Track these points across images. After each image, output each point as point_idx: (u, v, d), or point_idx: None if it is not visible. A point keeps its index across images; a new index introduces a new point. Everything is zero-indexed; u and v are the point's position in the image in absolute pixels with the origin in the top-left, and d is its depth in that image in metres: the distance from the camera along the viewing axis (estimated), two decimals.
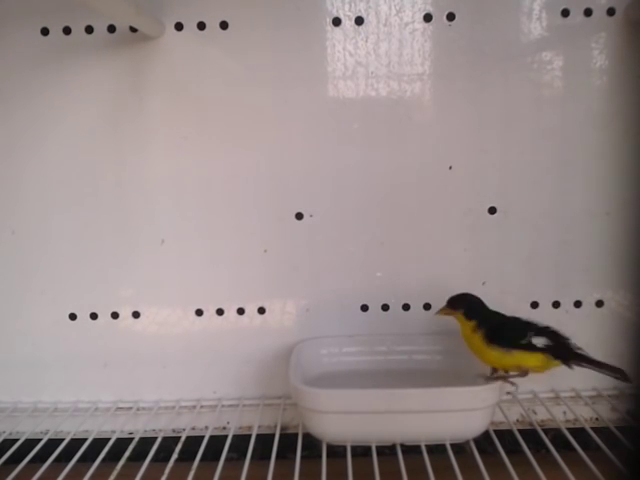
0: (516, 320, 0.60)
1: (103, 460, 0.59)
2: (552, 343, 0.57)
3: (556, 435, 0.64)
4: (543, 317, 0.65)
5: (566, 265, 0.67)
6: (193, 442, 0.62)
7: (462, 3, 0.63)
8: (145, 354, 0.70)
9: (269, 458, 0.57)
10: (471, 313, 0.60)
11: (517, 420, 0.68)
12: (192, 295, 0.69)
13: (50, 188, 0.67)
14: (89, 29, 0.64)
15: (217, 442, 0.62)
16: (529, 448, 0.57)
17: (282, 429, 0.66)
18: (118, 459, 0.59)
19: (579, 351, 0.57)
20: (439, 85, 0.65)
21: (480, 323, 0.59)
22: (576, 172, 0.65)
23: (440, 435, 0.58)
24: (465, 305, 0.60)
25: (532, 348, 0.57)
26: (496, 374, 0.60)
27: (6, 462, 0.59)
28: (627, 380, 0.50)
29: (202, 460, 0.58)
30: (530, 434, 0.62)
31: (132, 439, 0.63)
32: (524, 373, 0.58)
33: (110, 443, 0.63)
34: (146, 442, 0.63)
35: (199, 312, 0.69)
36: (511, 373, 0.59)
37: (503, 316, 0.60)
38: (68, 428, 0.67)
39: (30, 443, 0.63)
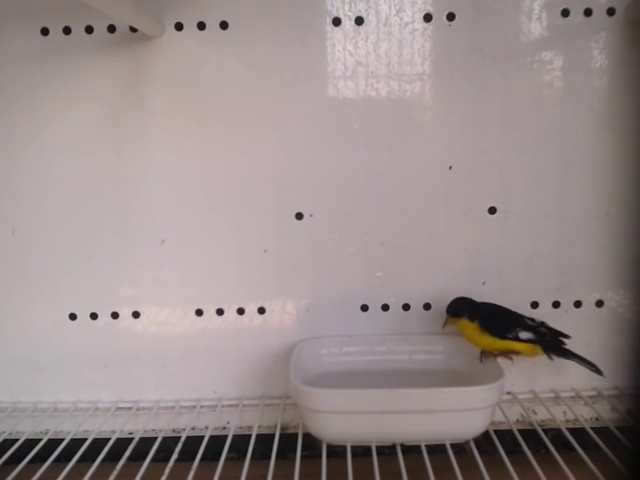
0: (510, 314, 0.64)
1: (103, 460, 0.59)
2: (536, 338, 0.62)
3: (556, 435, 0.64)
4: (543, 317, 0.66)
5: (566, 265, 0.67)
6: (193, 442, 0.62)
7: (462, 3, 0.63)
8: (145, 354, 0.70)
9: (269, 458, 0.57)
10: (473, 315, 0.62)
11: (517, 420, 0.68)
12: (192, 295, 0.69)
13: (50, 188, 0.67)
14: (89, 29, 0.64)
15: (217, 442, 0.62)
16: (529, 448, 0.57)
17: (282, 429, 0.66)
18: (118, 459, 0.59)
19: (563, 347, 0.63)
20: (439, 85, 0.65)
21: (481, 320, 0.62)
22: (576, 172, 0.65)
23: (440, 435, 0.58)
24: (466, 310, 0.63)
25: (518, 340, 0.62)
26: (485, 358, 0.63)
27: (6, 462, 0.59)
28: (600, 373, 0.62)
29: (202, 460, 0.58)
30: (530, 434, 0.62)
31: (132, 439, 0.63)
32: (510, 358, 0.63)
33: (110, 443, 0.63)
34: (146, 442, 0.63)
35: (199, 312, 0.69)
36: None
37: (496, 307, 0.64)
38: (68, 428, 0.67)
39: (30, 443, 0.63)
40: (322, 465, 0.55)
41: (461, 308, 0.63)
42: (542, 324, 0.63)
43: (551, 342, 0.62)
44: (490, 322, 0.62)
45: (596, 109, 0.64)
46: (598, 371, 0.62)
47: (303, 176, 0.66)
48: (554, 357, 0.62)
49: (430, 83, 0.65)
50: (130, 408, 0.69)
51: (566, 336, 0.63)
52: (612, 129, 0.64)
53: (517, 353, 0.62)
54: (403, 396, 0.56)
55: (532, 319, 0.64)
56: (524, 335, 0.61)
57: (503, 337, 0.61)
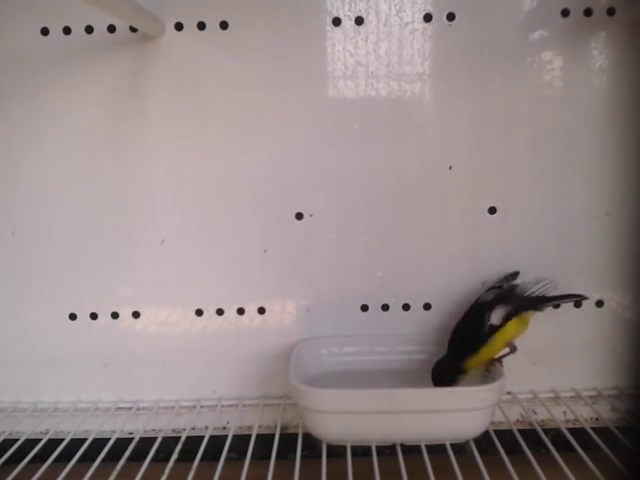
0: (472, 316, 0.61)
1: (103, 460, 0.59)
2: (510, 308, 0.59)
3: (556, 435, 0.64)
4: (543, 317, 0.65)
5: (566, 265, 0.67)
6: (193, 442, 0.62)
7: (462, 3, 0.63)
8: (145, 354, 0.70)
9: (269, 458, 0.57)
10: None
11: (517, 420, 0.68)
12: (192, 295, 0.69)
13: (50, 188, 0.67)
14: (89, 29, 0.64)
15: (217, 442, 0.62)
16: (529, 448, 0.57)
17: (282, 429, 0.66)
18: (118, 459, 0.59)
19: (536, 294, 0.61)
20: (439, 85, 0.65)
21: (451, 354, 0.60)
22: (576, 172, 0.65)
23: (440, 435, 0.58)
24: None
25: (499, 326, 0.59)
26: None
27: (6, 462, 0.59)
28: (584, 297, 0.63)
29: (202, 460, 0.58)
30: (530, 434, 0.62)
31: (132, 439, 0.63)
32: (513, 348, 0.60)
33: (110, 443, 0.63)
34: (146, 442, 0.63)
35: (199, 312, 0.69)
36: (500, 353, 0.60)
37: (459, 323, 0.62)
38: (68, 428, 0.67)
39: (30, 443, 0.63)
40: (322, 465, 0.55)
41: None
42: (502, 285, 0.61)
43: (522, 300, 0.60)
44: (464, 347, 0.60)
45: (596, 109, 0.64)
46: (582, 297, 0.62)
47: (303, 176, 0.66)
48: (542, 308, 0.61)
49: (430, 83, 0.65)
50: (130, 408, 0.69)
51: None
52: (612, 129, 0.64)
53: (510, 342, 0.60)
54: (403, 396, 0.56)
55: (493, 287, 0.62)
56: (498, 315, 0.59)
57: (486, 341, 0.59)
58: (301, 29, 0.64)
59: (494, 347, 0.60)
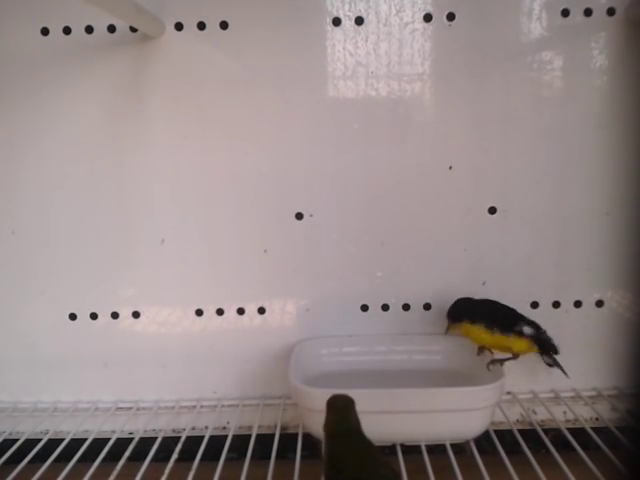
0: (510, 309, 0.63)
1: (103, 460, 0.59)
2: (536, 334, 0.62)
3: (556, 435, 0.64)
4: (543, 317, 0.66)
5: (566, 265, 0.67)
6: (193, 442, 0.62)
7: (462, 3, 0.63)
8: (145, 354, 0.70)
9: (269, 458, 0.57)
10: (474, 317, 0.62)
11: (517, 420, 0.68)
12: (192, 295, 0.69)
13: (50, 188, 0.67)
14: (89, 29, 0.64)
15: (217, 442, 0.62)
16: (529, 448, 0.57)
17: (282, 429, 0.66)
18: (118, 459, 0.59)
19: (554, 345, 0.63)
20: (439, 85, 0.65)
21: (485, 320, 0.61)
22: (576, 172, 0.65)
23: (440, 435, 0.58)
24: (467, 313, 0.62)
25: (521, 335, 0.61)
26: (482, 353, 0.63)
27: (6, 462, 0.59)
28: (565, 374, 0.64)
29: (202, 460, 0.58)
30: (530, 434, 0.62)
31: (132, 439, 0.63)
32: (515, 356, 0.62)
33: (110, 443, 0.63)
34: (146, 442, 0.63)
35: (199, 312, 0.69)
36: (504, 356, 0.62)
37: (496, 303, 0.64)
38: (68, 428, 0.67)
39: (30, 443, 0.63)
40: None
41: (461, 312, 0.63)
42: (534, 322, 0.63)
43: (548, 341, 0.62)
44: (496, 318, 0.61)
45: (596, 109, 0.64)
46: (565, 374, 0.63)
47: (303, 176, 0.66)
48: (545, 358, 0.63)
49: (430, 83, 0.65)
50: (130, 408, 0.69)
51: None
52: (612, 129, 0.64)
53: (516, 352, 0.62)
54: (403, 396, 0.56)
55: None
56: (527, 330, 0.61)
57: (510, 331, 0.61)
58: (301, 29, 0.64)
59: (502, 341, 0.61)
